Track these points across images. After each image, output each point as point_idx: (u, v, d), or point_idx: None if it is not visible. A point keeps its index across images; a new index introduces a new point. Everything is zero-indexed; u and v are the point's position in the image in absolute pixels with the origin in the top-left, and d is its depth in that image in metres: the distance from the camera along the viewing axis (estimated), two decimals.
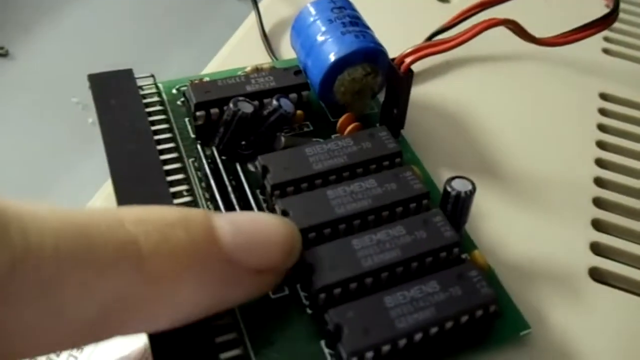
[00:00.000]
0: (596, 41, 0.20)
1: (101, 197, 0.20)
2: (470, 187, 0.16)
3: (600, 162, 0.22)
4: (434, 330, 0.14)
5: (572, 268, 0.18)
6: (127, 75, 0.20)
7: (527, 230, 0.19)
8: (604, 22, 0.19)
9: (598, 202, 0.21)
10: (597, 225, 0.20)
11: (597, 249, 0.19)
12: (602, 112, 0.24)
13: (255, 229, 0.14)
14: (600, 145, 0.23)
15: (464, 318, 0.15)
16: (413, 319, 0.14)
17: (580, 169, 0.22)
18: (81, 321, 0.11)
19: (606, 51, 0.27)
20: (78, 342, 0.12)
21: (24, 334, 0.11)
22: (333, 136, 0.20)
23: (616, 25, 0.28)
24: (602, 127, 0.23)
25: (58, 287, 0.11)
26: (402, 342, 0.14)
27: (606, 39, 0.27)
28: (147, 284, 0.12)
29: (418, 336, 0.14)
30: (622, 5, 0.29)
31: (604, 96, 0.25)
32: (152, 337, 0.14)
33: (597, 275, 0.19)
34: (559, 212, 0.20)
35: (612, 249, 0.19)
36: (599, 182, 0.21)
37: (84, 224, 0.11)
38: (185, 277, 0.12)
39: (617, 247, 0.19)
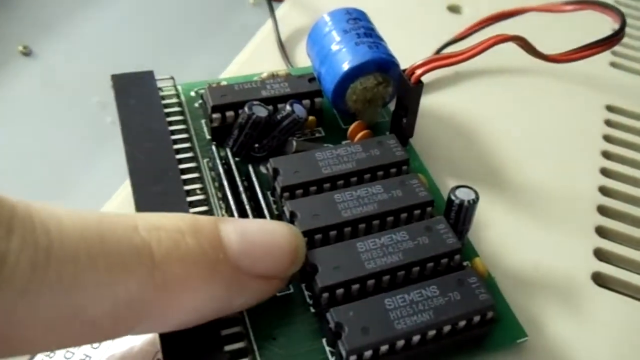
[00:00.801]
0: (604, 55, 0.21)
1: (120, 196, 0.20)
2: (473, 196, 0.17)
3: (605, 172, 0.22)
4: (431, 333, 0.15)
5: (575, 273, 0.19)
6: (148, 77, 0.21)
7: (531, 238, 0.20)
8: (610, 41, 0.19)
9: (602, 210, 0.21)
10: (601, 232, 0.20)
11: (600, 254, 0.20)
12: (608, 123, 0.25)
13: (261, 237, 0.14)
14: (606, 155, 0.23)
15: (462, 323, 0.15)
16: (411, 321, 0.15)
17: (586, 178, 0.22)
18: (93, 320, 0.12)
19: (614, 64, 0.28)
20: (88, 339, 0.13)
21: (37, 328, 0.11)
22: (343, 142, 0.21)
23: (624, 39, 0.28)
24: (607, 138, 0.24)
25: (74, 286, 0.11)
26: (400, 343, 0.14)
27: (614, 53, 0.28)
28: (158, 288, 0.12)
29: (416, 338, 0.15)
30: (630, 21, 0.30)
31: (610, 108, 0.25)
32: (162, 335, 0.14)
33: (600, 280, 0.19)
34: (564, 219, 0.20)
35: (615, 255, 0.20)
36: (604, 190, 0.22)
37: (101, 228, 0.12)
38: (194, 283, 0.13)
39: (620, 254, 0.20)
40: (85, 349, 0.16)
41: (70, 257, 0.11)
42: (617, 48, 0.28)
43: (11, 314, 0.11)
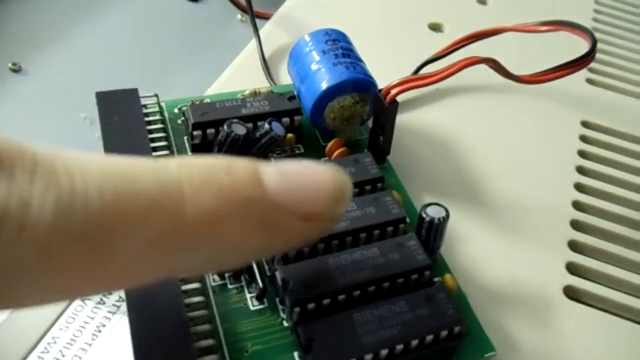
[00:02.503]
0: (580, 72, 0.21)
1: None
2: (444, 214, 0.17)
3: (579, 187, 0.23)
4: (399, 347, 0.15)
5: (547, 287, 0.19)
6: (132, 94, 0.21)
7: (504, 253, 0.20)
8: (581, 63, 0.20)
9: (576, 225, 0.22)
10: (574, 246, 0.21)
11: (573, 268, 0.20)
12: (583, 139, 0.25)
13: (302, 175, 0.13)
14: (580, 170, 0.24)
15: (429, 337, 0.15)
16: (379, 336, 0.15)
17: (560, 192, 0.23)
18: (125, 262, 0.11)
19: (590, 81, 0.28)
20: (123, 282, 0.12)
21: (68, 273, 0.11)
22: (321, 159, 0.21)
23: (600, 56, 0.29)
24: (582, 154, 0.24)
25: (102, 227, 0.11)
26: (369, 357, 0.15)
27: (590, 70, 0.29)
28: (190, 225, 0.12)
29: (384, 352, 0.15)
30: (607, 37, 0.31)
31: (585, 124, 0.26)
32: (135, 338, 0.15)
33: (572, 293, 0.19)
34: (537, 234, 0.21)
35: (588, 269, 0.20)
36: (577, 205, 0.22)
37: (128, 170, 0.12)
38: (228, 220, 0.12)
39: (593, 268, 0.20)
40: None
41: (96, 199, 0.11)
42: (593, 65, 0.29)
43: (39, 259, 0.10)
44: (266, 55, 0.26)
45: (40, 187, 0.10)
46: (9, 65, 0.28)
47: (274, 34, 0.28)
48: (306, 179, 0.13)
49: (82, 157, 0.11)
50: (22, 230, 0.10)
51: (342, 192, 0.14)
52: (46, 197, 0.10)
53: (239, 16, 0.35)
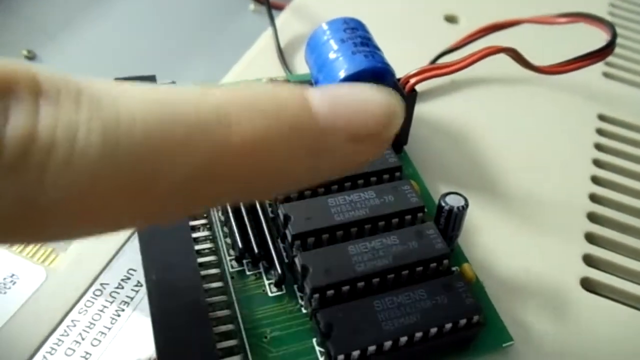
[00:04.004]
0: (597, 65, 0.21)
1: None
2: (463, 202, 0.17)
3: (596, 180, 0.23)
4: (418, 335, 0.15)
5: (564, 278, 0.19)
6: (150, 81, 0.21)
7: (521, 243, 0.20)
8: (601, 54, 0.20)
9: (592, 217, 0.22)
10: (591, 238, 0.21)
11: (589, 260, 0.20)
12: (600, 132, 0.25)
13: (349, 94, 0.13)
14: (597, 163, 0.24)
15: (448, 325, 0.15)
16: (399, 323, 0.15)
17: (576, 185, 0.23)
18: (169, 191, 0.11)
19: (606, 75, 0.28)
20: (164, 214, 0.12)
21: (111, 202, 0.11)
22: None
23: (617, 50, 0.29)
24: (599, 147, 0.24)
25: (148, 155, 0.11)
26: (388, 344, 0.15)
27: (607, 64, 0.28)
28: (235, 151, 0.11)
29: (403, 339, 0.15)
30: (624, 32, 0.31)
31: (602, 117, 0.26)
32: (155, 322, 0.15)
33: (588, 285, 0.19)
34: (554, 226, 0.21)
35: (604, 261, 0.20)
36: (594, 198, 0.22)
37: (171, 96, 0.11)
38: (275, 146, 0.12)
39: (609, 260, 0.20)
40: None
41: (141, 127, 0.11)
42: (610, 59, 0.28)
43: (85, 189, 0.10)
44: (282, 44, 0.26)
45: (86, 116, 0.10)
46: (24, 53, 0.28)
47: (289, 23, 0.28)
48: (355, 99, 0.13)
49: (125, 87, 0.11)
50: (70, 159, 0.10)
51: (394, 111, 0.13)
52: (92, 126, 0.10)
53: (251, 6, 0.35)
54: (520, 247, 0.20)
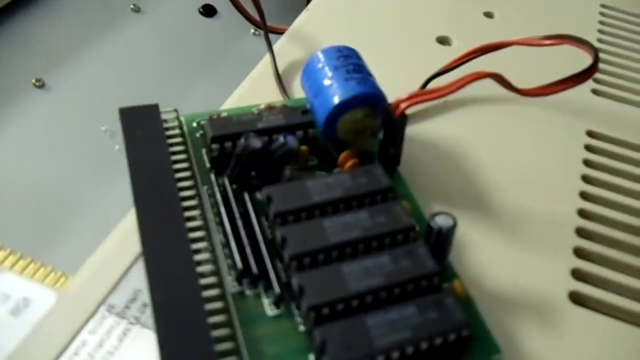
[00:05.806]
0: (586, 82, 0.22)
1: (127, 219, 0.22)
2: (451, 222, 0.18)
3: (584, 195, 0.24)
4: (410, 349, 0.16)
5: (553, 292, 0.20)
6: (153, 109, 0.22)
7: (511, 260, 0.21)
8: (582, 76, 0.20)
9: (581, 232, 0.22)
10: (579, 253, 0.22)
11: (578, 274, 0.21)
12: (588, 148, 0.26)
13: None
14: (585, 179, 0.24)
15: (438, 340, 0.16)
16: (391, 339, 0.16)
17: (565, 200, 0.23)
18: None
19: (595, 92, 0.29)
20: None
21: None
22: (334, 171, 0.22)
23: (605, 67, 0.30)
24: (587, 163, 0.25)
25: None
26: (381, 359, 0.16)
27: (595, 80, 0.29)
28: None
29: (395, 354, 0.16)
30: (612, 48, 0.31)
31: (590, 134, 0.27)
32: (160, 340, 0.16)
33: (577, 298, 0.20)
34: (543, 241, 0.22)
35: (593, 275, 0.21)
36: (583, 213, 0.23)
37: None
38: None
39: (597, 274, 0.21)
40: None
41: None
42: (598, 76, 0.29)
43: None
44: (280, 69, 0.27)
45: None
46: (33, 81, 0.30)
47: (287, 48, 0.29)
48: None
49: None
50: None
51: None
52: None
53: (252, 30, 0.36)
54: (511, 263, 0.21)
